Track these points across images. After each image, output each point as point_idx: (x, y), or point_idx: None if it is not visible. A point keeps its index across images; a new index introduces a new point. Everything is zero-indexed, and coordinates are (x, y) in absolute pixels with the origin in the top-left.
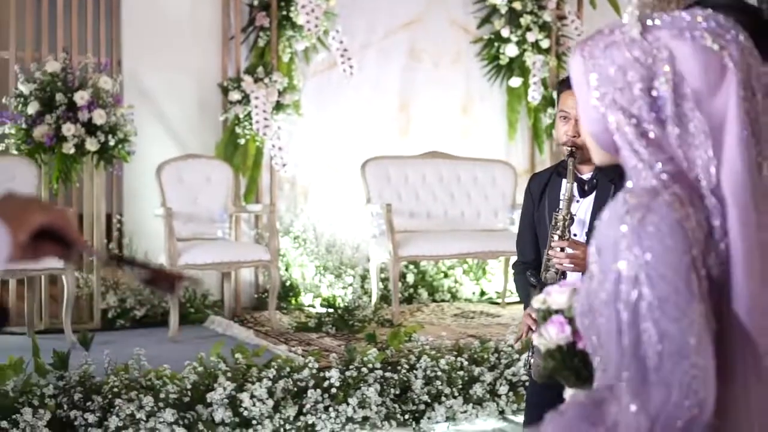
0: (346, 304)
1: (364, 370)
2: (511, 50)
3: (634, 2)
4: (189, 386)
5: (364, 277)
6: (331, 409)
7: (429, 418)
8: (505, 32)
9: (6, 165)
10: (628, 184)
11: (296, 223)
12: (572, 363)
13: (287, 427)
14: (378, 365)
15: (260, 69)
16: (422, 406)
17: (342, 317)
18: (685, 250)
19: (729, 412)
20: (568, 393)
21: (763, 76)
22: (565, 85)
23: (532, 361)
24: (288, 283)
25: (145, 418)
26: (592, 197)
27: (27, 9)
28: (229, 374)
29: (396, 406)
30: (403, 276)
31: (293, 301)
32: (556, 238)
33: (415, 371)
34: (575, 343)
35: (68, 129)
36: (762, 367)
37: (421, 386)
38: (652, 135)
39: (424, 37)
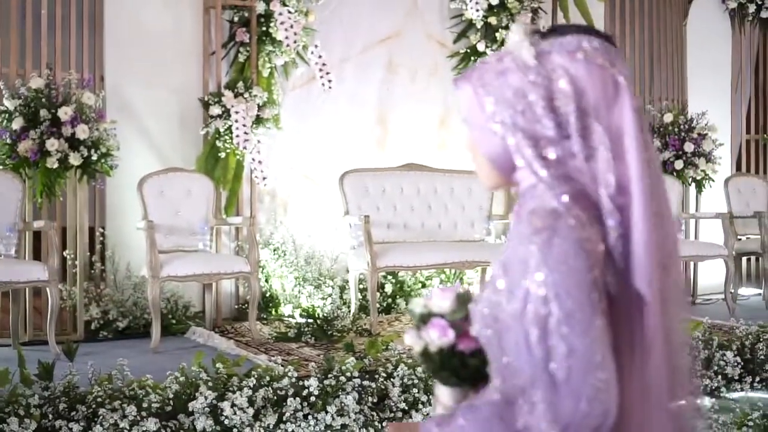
0: (326, 314)
1: (343, 378)
2: None
3: (521, 30)
4: (171, 396)
5: (343, 288)
6: (310, 417)
7: None
8: (481, 46)
9: None
10: (529, 204)
11: (276, 235)
12: (451, 364)
13: None
14: (356, 374)
15: (240, 84)
16: (399, 414)
17: (321, 327)
18: (588, 269)
19: (625, 419)
20: (441, 391)
21: (634, 94)
22: None
23: None
24: (268, 294)
25: (128, 427)
26: None
27: (12, 26)
28: (210, 384)
29: (374, 413)
30: (381, 286)
31: (273, 312)
32: None
33: (392, 379)
34: (455, 345)
35: (52, 144)
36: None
37: (399, 394)
38: (552, 155)
39: (401, 51)
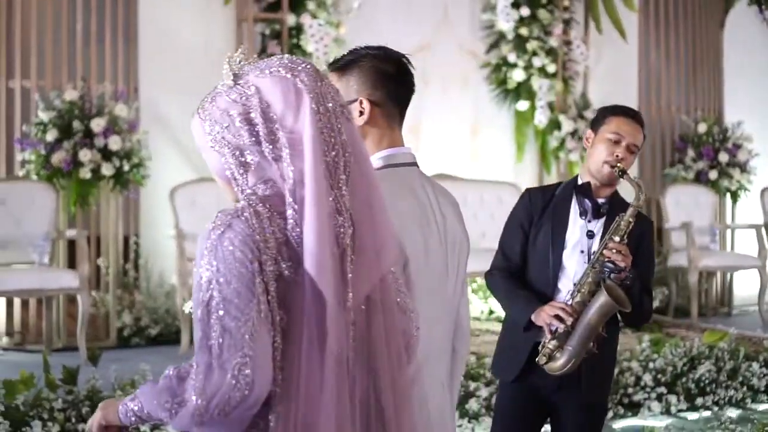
0: None
1: None
2: (518, 75)
3: (227, 62)
4: None
5: None
6: None
7: None
8: (512, 57)
9: (26, 189)
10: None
11: None
12: None
13: None
14: None
15: None
16: None
17: None
18: (251, 260)
19: (293, 385)
20: None
21: (335, 95)
22: (616, 111)
23: (546, 347)
24: None
25: (149, 431)
26: (602, 221)
27: (47, 39)
28: None
29: None
30: None
31: None
32: (617, 239)
33: None
34: None
35: (85, 155)
36: (326, 347)
37: None
38: (252, 162)
39: (433, 62)
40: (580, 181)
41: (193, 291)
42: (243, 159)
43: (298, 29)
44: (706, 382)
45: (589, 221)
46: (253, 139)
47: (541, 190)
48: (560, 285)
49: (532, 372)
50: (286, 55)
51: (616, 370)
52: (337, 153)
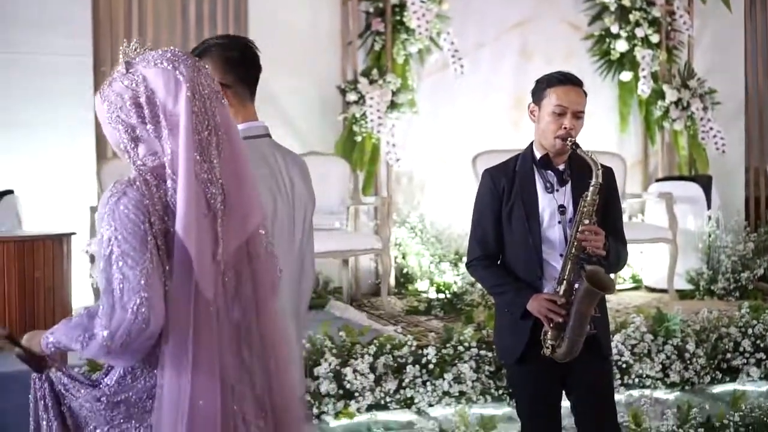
0: (457, 289)
1: (461, 348)
2: (621, 46)
3: (121, 51)
4: None
5: None
6: (428, 383)
7: None
8: (614, 28)
9: None
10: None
11: (413, 214)
12: None
13: (387, 399)
14: (474, 344)
15: (375, 71)
16: None
17: (450, 302)
18: (143, 221)
19: (174, 319)
20: None
21: (211, 84)
22: (553, 81)
23: (547, 337)
24: (405, 271)
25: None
26: (569, 186)
27: (162, 22)
28: (334, 351)
29: (491, 382)
30: None
31: (409, 288)
32: (586, 222)
33: None
34: None
35: None
36: (197, 290)
37: None
38: (141, 137)
39: (535, 36)
40: (537, 154)
41: (96, 247)
42: (134, 135)
43: (401, 6)
44: None
45: (557, 190)
46: (140, 119)
47: (501, 168)
48: (549, 258)
49: (537, 347)
50: (170, 49)
51: (714, 336)
52: (210, 132)
